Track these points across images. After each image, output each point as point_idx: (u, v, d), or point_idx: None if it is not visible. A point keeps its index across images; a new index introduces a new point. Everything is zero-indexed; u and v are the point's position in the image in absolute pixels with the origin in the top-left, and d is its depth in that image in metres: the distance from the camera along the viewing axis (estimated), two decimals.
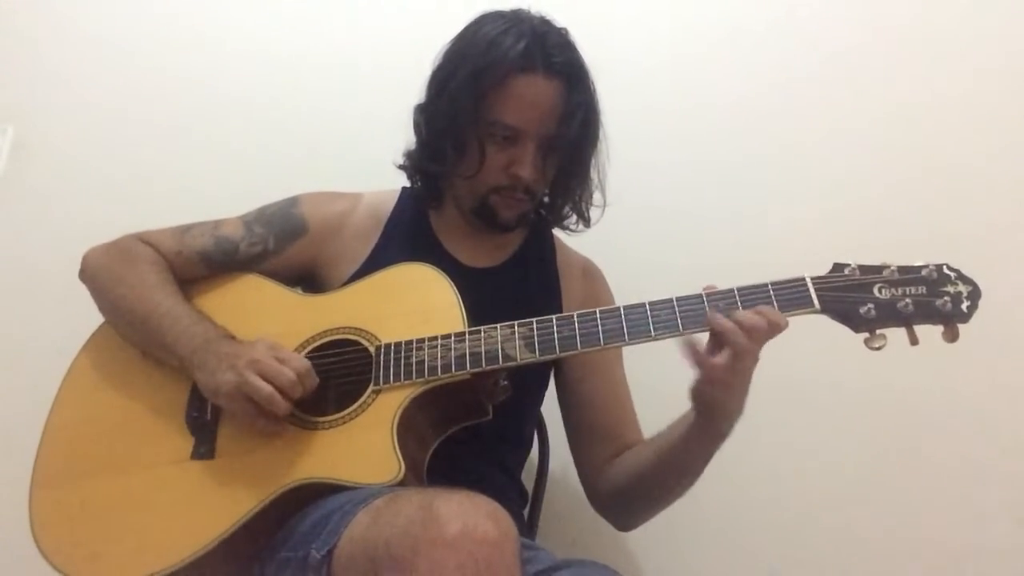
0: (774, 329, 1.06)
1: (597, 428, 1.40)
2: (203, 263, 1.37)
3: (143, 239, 1.38)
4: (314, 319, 1.27)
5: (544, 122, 1.28)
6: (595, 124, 1.34)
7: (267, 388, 1.11)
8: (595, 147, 1.37)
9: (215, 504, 1.13)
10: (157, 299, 1.27)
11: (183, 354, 1.21)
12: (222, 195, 1.56)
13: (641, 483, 1.29)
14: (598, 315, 1.13)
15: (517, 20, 1.31)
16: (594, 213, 1.45)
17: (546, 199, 1.44)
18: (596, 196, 1.44)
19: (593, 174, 1.40)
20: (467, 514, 0.85)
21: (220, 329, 1.24)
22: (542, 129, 1.29)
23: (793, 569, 1.63)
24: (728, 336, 1.06)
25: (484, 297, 1.24)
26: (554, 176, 1.37)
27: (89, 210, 1.88)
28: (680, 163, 1.87)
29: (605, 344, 1.12)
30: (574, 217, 1.45)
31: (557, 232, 1.51)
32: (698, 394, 1.12)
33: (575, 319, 1.14)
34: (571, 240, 1.52)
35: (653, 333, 1.10)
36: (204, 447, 1.20)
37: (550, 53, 1.28)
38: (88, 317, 1.36)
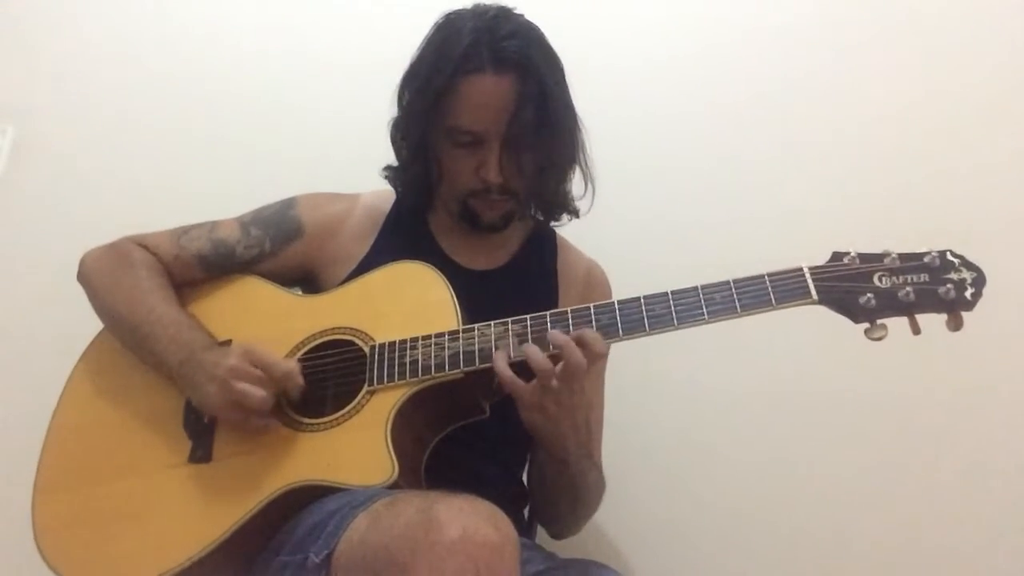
0: (583, 350, 1.07)
1: None
2: (200, 266, 1.37)
3: (140, 242, 1.38)
4: (310, 320, 1.27)
5: (502, 120, 1.24)
6: (556, 111, 1.28)
7: (252, 389, 1.12)
8: (562, 135, 1.31)
9: (212, 508, 1.13)
10: (149, 305, 1.27)
11: (171, 365, 1.21)
12: (222, 195, 1.55)
13: (536, 496, 1.32)
14: (592, 311, 1.11)
15: (471, 16, 1.28)
16: (583, 203, 1.42)
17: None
18: (585, 186, 1.40)
19: (569, 162, 1.36)
20: (467, 518, 0.85)
21: (210, 337, 1.24)
22: (502, 127, 1.24)
23: (794, 571, 1.62)
24: (531, 362, 1.07)
25: (481, 300, 1.22)
26: (527, 170, 1.31)
27: (89, 210, 1.88)
28: (677, 156, 1.86)
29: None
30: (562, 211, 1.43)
31: (561, 232, 1.49)
32: (526, 422, 1.13)
33: (569, 315, 1.12)
34: (570, 238, 1.50)
35: (648, 328, 1.08)
36: (201, 450, 1.20)
37: (498, 47, 1.23)
38: (88, 318, 1.36)
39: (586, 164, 1.39)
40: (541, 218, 1.46)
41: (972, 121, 1.74)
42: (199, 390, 1.17)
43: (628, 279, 1.34)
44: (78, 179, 1.95)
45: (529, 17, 1.32)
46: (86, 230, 1.43)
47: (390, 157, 1.43)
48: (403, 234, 1.40)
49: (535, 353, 1.08)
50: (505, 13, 1.29)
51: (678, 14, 1.94)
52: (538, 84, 1.24)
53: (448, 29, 1.28)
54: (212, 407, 1.17)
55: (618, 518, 1.29)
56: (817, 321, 1.07)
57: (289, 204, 1.41)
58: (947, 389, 1.61)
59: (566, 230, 1.48)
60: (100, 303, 1.34)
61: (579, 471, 1.20)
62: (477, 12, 1.29)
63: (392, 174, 1.42)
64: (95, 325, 1.37)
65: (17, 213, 1.93)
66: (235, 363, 1.14)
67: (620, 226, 1.66)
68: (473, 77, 1.23)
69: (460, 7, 1.32)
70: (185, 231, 1.39)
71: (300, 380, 1.17)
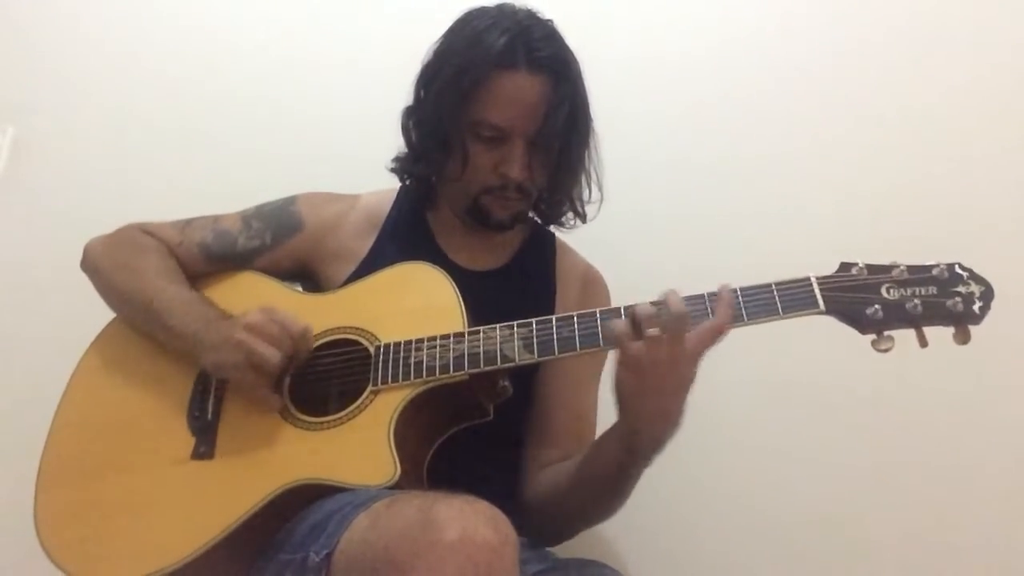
0: (715, 329, 1.04)
1: (547, 430, 1.38)
2: (203, 256, 1.38)
3: (144, 229, 1.40)
4: (315, 319, 1.26)
5: (531, 119, 1.26)
6: (583, 118, 1.32)
7: (269, 350, 1.14)
8: (585, 141, 1.35)
9: (214, 504, 1.13)
10: (160, 284, 1.29)
11: (186, 334, 1.22)
12: (222, 195, 1.55)
13: (558, 493, 1.27)
14: (598, 316, 1.12)
15: (501, 15, 1.29)
16: (591, 209, 1.44)
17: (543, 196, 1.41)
18: (594, 192, 1.42)
19: (586, 169, 1.38)
20: (467, 519, 0.85)
21: (221, 311, 1.26)
22: (529, 126, 1.26)
23: (794, 571, 1.62)
24: (638, 309, 1.04)
25: (479, 300, 1.23)
26: (547, 172, 1.34)
27: (89, 210, 1.84)
28: (683, 162, 1.85)
29: (605, 345, 1.10)
30: (570, 214, 1.44)
31: (560, 235, 1.50)
32: (614, 380, 1.09)
33: (575, 320, 1.12)
34: (572, 241, 1.50)
35: None
36: (204, 447, 1.20)
37: (534, 47, 1.25)
38: (89, 316, 1.36)
39: (597, 171, 1.40)
40: (546, 221, 1.46)
41: (984, 125, 1.75)
42: (214, 351, 1.18)
43: (633, 284, 1.33)
44: (78, 179, 1.94)
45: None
46: (86, 230, 1.44)
47: (388, 157, 1.44)
48: (403, 233, 1.41)
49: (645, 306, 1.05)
50: (535, 15, 1.31)
51: (682, 12, 1.94)
52: (570, 90, 1.27)
53: (477, 24, 1.29)
54: (225, 366, 1.17)
55: (617, 517, 1.28)
56: (820, 321, 1.07)
57: (290, 200, 1.43)
58: (952, 388, 1.61)
59: (569, 231, 1.49)
60: (108, 284, 1.35)
61: (636, 472, 1.16)
62: (505, 11, 1.30)
63: (400, 165, 1.43)
64: (96, 323, 1.37)
65: (17, 212, 1.92)
66: (255, 318, 1.16)
67: (624, 230, 1.66)
68: (508, 73, 1.24)
69: (482, 5, 1.34)
70: (188, 222, 1.41)
71: (312, 342, 1.20)
